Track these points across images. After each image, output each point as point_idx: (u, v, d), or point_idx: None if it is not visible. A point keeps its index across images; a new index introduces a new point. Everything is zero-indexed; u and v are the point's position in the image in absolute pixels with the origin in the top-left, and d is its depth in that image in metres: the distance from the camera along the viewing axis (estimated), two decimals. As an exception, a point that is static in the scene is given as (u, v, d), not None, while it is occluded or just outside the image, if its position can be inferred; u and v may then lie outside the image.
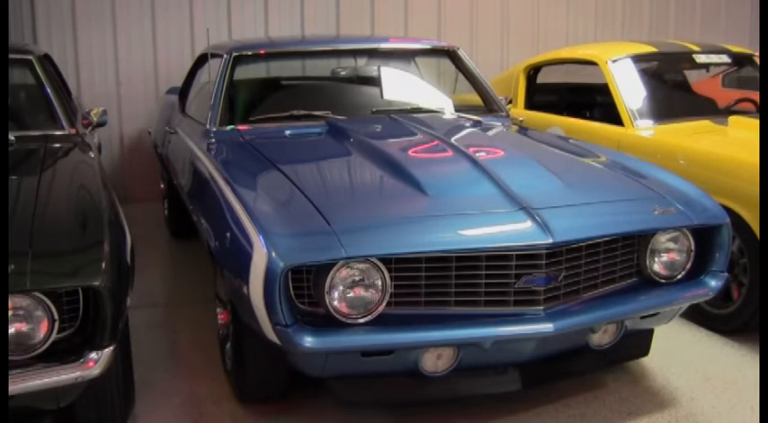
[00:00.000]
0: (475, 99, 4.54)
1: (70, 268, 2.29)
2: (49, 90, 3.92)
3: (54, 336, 2.25)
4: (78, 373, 2.25)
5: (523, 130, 4.15)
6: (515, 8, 7.58)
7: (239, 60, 4.18)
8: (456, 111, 4.27)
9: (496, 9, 7.52)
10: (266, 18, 6.78)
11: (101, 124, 4.39)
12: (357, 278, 2.49)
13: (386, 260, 2.51)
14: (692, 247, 2.93)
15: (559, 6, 7.75)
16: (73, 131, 3.78)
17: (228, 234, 2.75)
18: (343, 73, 5.24)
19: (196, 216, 3.47)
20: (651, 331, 3.18)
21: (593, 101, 5.25)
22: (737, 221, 3.45)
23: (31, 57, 4.05)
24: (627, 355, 3.22)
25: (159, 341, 3.70)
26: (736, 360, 3.47)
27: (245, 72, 4.49)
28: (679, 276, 2.95)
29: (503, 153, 3.39)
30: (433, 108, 4.25)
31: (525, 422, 2.93)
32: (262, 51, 4.49)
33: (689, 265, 2.95)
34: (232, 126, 3.89)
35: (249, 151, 3.52)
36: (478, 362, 2.75)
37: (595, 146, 3.78)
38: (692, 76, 5.67)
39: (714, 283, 2.96)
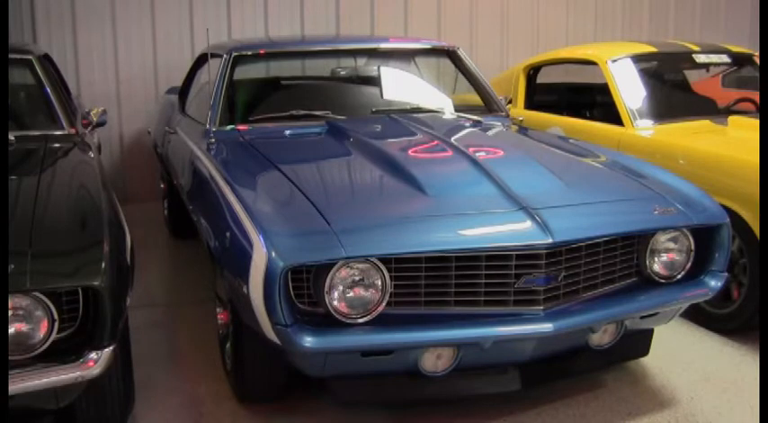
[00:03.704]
0: (475, 99, 4.54)
1: (70, 268, 2.29)
2: (48, 90, 3.92)
3: (54, 336, 2.24)
4: (78, 373, 2.24)
5: (523, 130, 4.15)
6: (515, 8, 7.59)
7: (239, 60, 4.18)
8: (456, 111, 4.27)
9: (496, 9, 7.52)
10: (266, 18, 6.78)
11: (100, 124, 4.39)
12: (357, 278, 2.49)
13: (386, 260, 2.51)
14: (692, 247, 2.93)
15: (559, 6, 7.76)
16: (72, 131, 3.78)
17: (228, 234, 2.75)
18: (342, 73, 5.25)
19: (196, 216, 3.47)
20: (651, 331, 3.18)
21: (593, 101, 5.26)
22: (737, 221, 3.44)
23: (30, 57, 4.05)
24: (627, 355, 3.22)
25: (159, 341, 3.70)
26: (736, 360, 3.47)
27: (244, 72, 4.49)
28: (679, 276, 2.95)
29: (503, 153, 3.39)
30: (433, 108, 4.25)
31: (525, 422, 2.93)
32: (262, 51, 4.49)
33: (689, 265, 2.95)
34: (232, 126, 3.89)
35: (249, 151, 3.52)
36: (478, 362, 2.75)
37: (595, 146, 3.78)
38: (692, 76, 5.67)
39: (714, 283, 2.96)
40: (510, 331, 2.59)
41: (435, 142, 3.43)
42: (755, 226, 3.45)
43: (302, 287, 2.53)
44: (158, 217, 5.93)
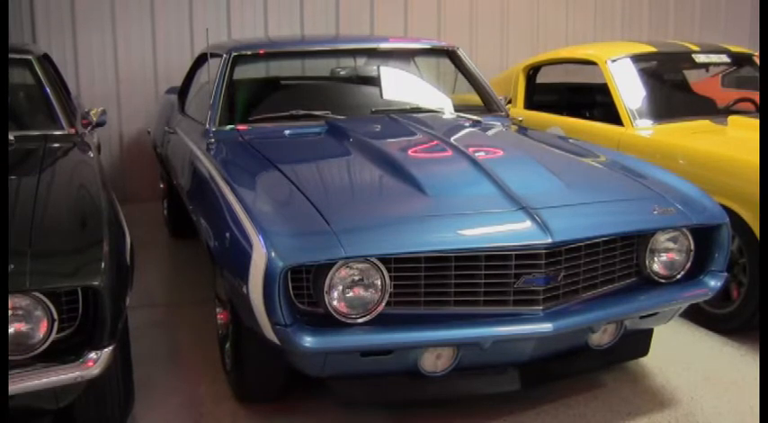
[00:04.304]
0: (475, 99, 4.54)
1: (70, 268, 2.29)
2: (48, 90, 3.92)
3: (53, 335, 2.25)
4: (78, 373, 2.25)
5: (523, 130, 4.15)
6: (515, 8, 7.59)
7: (239, 60, 4.18)
8: (456, 111, 4.27)
9: (496, 9, 7.52)
10: (266, 18, 6.78)
11: (100, 124, 4.39)
12: (356, 278, 2.49)
13: (385, 260, 2.51)
14: (692, 247, 2.93)
15: (559, 6, 7.76)
16: (72, 131, 3.78)
17: (228, 234, 2.75)
18: (342, 73, 5.25)
19: (196, 216, 3.47)
20: (651, 331, 3.18)
21: (593, 101, 5.26)
22: (737, 221, 3.45)
23: (30, 57, 4.05)
24: (627, 355, 3.22)
25: (159, 341, 3.70)
26: (736, 360, 3.47)
27: (244, 72, 4.49)
28: (678, 276, 2.94)
29: (502, 153, 3.39)
30: (433, 108, 4.25)
31: (525, 422, 2.93)
32: (261, 51, 4.48)
33: (688, 265, 2.95)
34: (231, 126, 3.89)
35: (249, 151, 3.52)
36: (478, 362, 2.75)
37: (595, 146, 3.78)
38: (692, 76, 5.67)
39: (713, 283, 2.96)
40: (510, 331, 2.59)
41: (435, 142, 3.43)
42: (755, 226, 3.45)
43: (302, 287, 2.53)
44: (158, 217, 5.93)
